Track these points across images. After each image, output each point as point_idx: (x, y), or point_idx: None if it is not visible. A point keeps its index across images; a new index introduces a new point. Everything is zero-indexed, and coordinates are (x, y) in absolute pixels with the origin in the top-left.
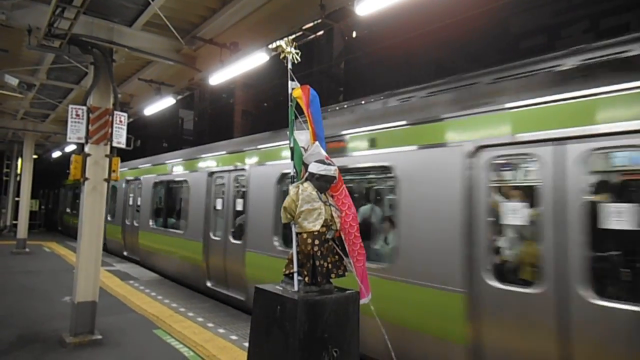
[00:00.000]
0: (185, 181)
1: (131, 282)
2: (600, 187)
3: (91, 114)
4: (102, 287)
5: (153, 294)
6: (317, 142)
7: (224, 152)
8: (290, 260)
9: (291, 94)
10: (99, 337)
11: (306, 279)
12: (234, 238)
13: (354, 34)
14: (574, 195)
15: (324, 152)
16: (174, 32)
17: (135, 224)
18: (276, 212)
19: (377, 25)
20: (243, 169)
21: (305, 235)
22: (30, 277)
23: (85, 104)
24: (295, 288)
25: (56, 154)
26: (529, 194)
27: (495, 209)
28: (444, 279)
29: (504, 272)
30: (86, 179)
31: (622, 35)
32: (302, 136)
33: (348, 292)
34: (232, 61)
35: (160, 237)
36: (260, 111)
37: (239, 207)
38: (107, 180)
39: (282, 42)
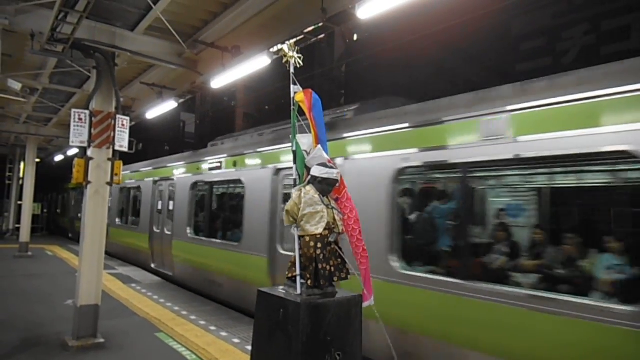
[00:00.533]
0: (140, 187)
1: (133, 285)
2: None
3: (94, 118)
4: (104, 290)
5: (155, 297)
6: (319, 146)
7: (164, 166)
8: (293, 264)
9: (293, 97)
10: (102, 340)
11: (309, 282)
12: (167, 230)
13: (355, 37)
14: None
15: (326, 156)
16: (176, 36)
17: (107, 222)
18: (190, 210)
19: (378, 28)
20: (173, 179)
21: (307, 239)
22: (32, 280)
23: (87, 108)
24: (298, 291)
25: (59, 158)
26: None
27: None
28: (260, 249)
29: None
30: (89, 182)
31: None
32: (305, 139)
33: (351, 295)
34: (234, 65)
35: (124, 232)
36: (262, 114)
37: (171, 207)
38: (110, 183)
39: (284, 47)
